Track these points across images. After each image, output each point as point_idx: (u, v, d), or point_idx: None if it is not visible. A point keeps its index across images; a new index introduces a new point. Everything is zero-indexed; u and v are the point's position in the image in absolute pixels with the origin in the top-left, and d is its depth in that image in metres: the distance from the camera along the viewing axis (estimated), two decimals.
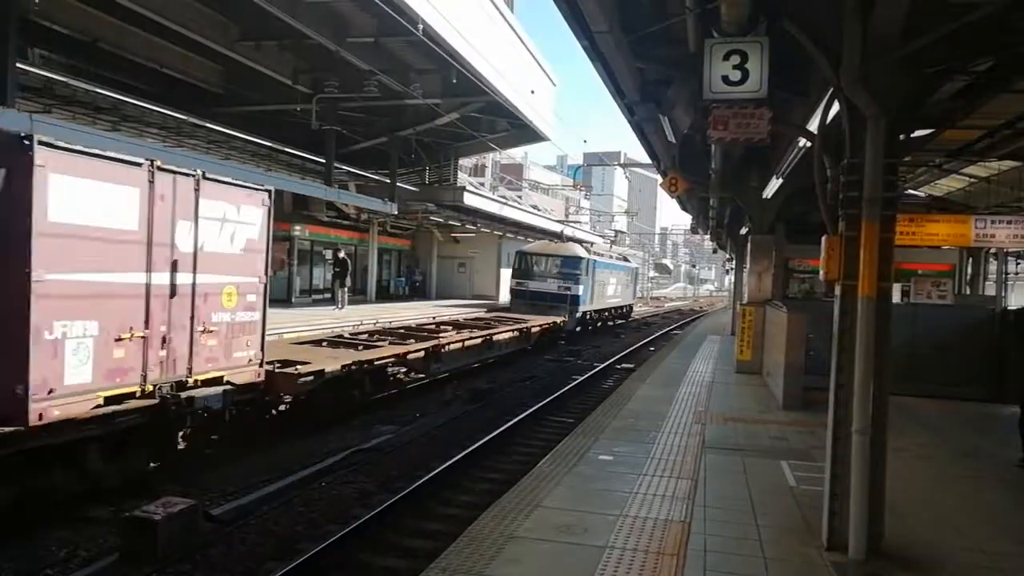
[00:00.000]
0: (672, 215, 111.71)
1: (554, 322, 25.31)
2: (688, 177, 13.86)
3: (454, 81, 17.87)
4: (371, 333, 17.17)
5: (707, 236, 39.72)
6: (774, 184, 13.86)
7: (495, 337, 19.61)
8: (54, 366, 7.05)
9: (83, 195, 7.24)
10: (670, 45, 8.13)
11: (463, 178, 37.29)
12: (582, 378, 18.08)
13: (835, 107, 5.86)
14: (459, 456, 10.10)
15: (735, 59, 6.08)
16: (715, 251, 47.81)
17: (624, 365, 21.21)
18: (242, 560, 6.91)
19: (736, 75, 6.02)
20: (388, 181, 25.11)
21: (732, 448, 8.94)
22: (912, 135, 6.39)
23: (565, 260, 28.75)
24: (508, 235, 39.87)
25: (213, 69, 17.93)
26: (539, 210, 46.38)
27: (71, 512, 7.54)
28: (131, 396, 8.02)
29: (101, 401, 7.61)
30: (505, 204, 36.22)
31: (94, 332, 7.45)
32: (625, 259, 42.05)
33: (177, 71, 17.03)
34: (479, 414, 13.80)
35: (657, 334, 33.35)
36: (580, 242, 38.25)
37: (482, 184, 46.87)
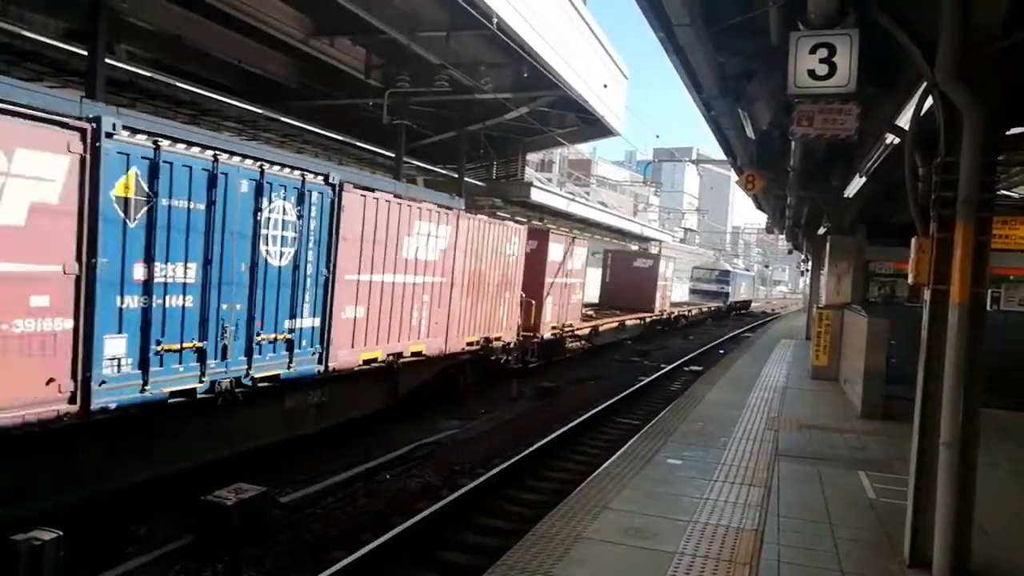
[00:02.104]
0: (745, 213, 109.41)
1: (718, 307, 48.41)
2: (766, 174, 13.41)
3: (525, 75, 17.76)
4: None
5: (782, 236, 38.95)
6: (856, 183, 13.35)
7: (703, 310, 44.59)
8: None
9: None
10: (752, 38, 7.86)
11: (530, 173, 37.10)
12: (649, 379, 17.84)
13: (928, 102, 5.56)
14: (524, 454, 10.05)
15: (822, 52, 5.81)
16: (790, 252, 46.64)
17: (692, 367, 20.85)
18: (309, 547, 7.02)
19: (823, 69, 5.76)
20: (456, 176, 25.19)
21: (807, 456, 8.64)
22: (1009, 132, 6.01)
23: (720, 272, 53.96)
24: (575, 231, 39.55)
25: (288, 64, 18.24)
26: (607, 207, 45.90)
27: (152, 494, 7.76)
28: None
29: None
30: (572, 200, 35.91)
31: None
32: (748, 269, 69.76)
33: (254, 66, 17.39)
34: (544, 412, 13.74)
35: (727, 336, 32.77)
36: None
37: (549, 180, 46.59)
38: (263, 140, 19.96)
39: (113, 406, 6.96)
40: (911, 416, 5.56)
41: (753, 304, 74.75)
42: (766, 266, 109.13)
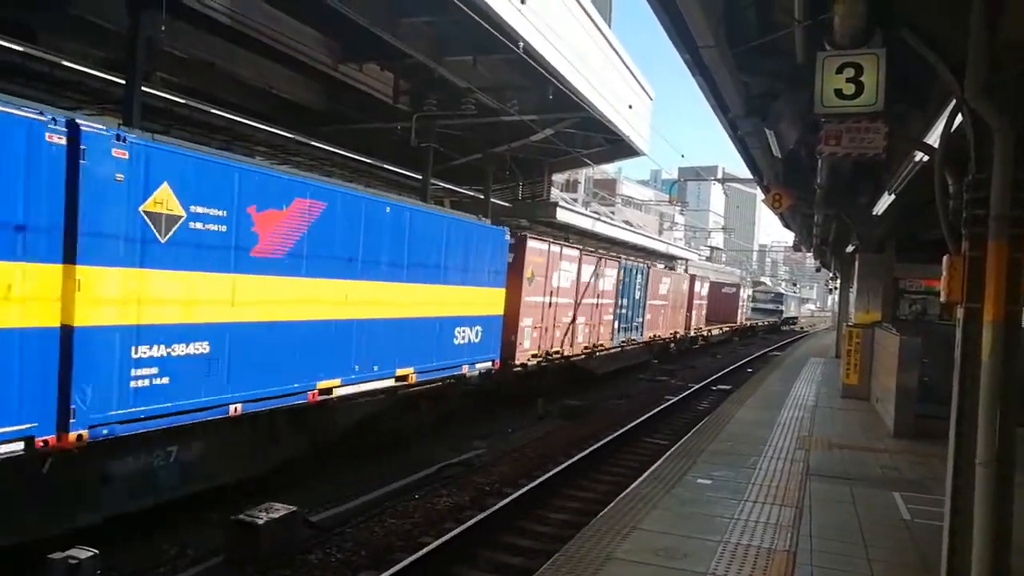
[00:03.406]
0: (772, 232, 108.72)
1: (774, 322, 59.67)
2: (793, 193, 13.36)
3: (550, 98, 17.86)
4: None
5: (810, 254, 38.79)
6: (885, 200, 13.23)
7: (765, 323, 56.36)
8: None
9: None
10: (777, 58, 7.87)
11: (556, 194, 37.12)
12: (676, 398, 17.73)
13: (958, 119, 5.53)
14: (551, 473, 10.03)
15: (849, 72, 5.80)
16: (818, 269, 46.36)
17: (721, 386, 20.68)
18: (339, 567, 7.05)
19: (850, 88, 5.74)
20: (482, 197, 25.35)
21: (839, 476, 8.54)
22: None
23: (775, 294, 66.99)
24: (601, 250, 39.48)
25: (317, 89, 18.54)
26: (632, 226, 45.85)
27: (183, 513, 7.87)
28: None
29: None
30: (598, 220, 35.91)
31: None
32: (794, 291, 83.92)
33: (284, 92, 17.71)
34: (571, 431, 13.70)
35: (756, 355, 32.48)
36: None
37: (575, 200, 46.64)
38: (293, 164, 20.26)
39: (614, 346, 21.44)
40: (945, 435, 5.49)
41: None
42: (794, 284, 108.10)
